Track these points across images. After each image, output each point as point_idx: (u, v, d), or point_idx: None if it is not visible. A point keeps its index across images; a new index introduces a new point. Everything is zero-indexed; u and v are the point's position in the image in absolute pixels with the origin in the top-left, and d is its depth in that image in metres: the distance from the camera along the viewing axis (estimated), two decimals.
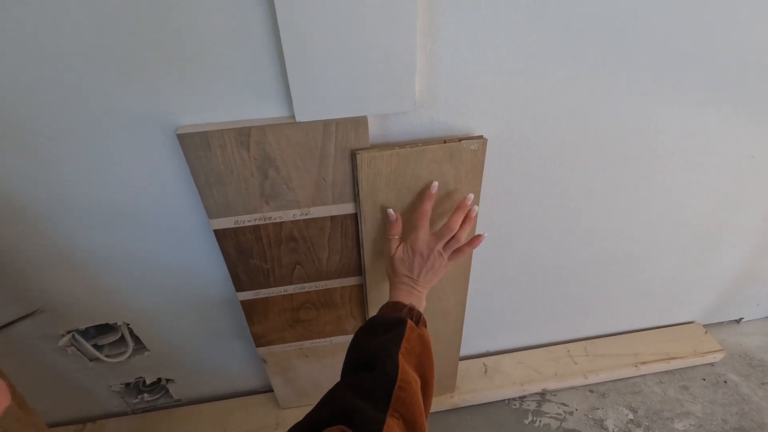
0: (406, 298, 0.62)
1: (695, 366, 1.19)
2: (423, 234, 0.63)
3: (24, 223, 0.66)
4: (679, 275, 1.07)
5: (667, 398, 1.12)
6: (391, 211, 0.66)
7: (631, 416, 1.08)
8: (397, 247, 0.65)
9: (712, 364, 1.20)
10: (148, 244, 0.73)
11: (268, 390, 1.06)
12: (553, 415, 1.08)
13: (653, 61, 0.65)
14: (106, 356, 0.89)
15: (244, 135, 0.59)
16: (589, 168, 0.78)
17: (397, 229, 0.66)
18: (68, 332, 0.84)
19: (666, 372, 1.17)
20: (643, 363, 1.14)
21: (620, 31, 0.61)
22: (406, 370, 0.48)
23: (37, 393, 0.92)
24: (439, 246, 0.63)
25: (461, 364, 1.08)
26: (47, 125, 0.57)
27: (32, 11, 0.48)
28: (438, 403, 1.06)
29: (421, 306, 0.62)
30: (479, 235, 0.67)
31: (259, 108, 0.60)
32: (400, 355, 0.49)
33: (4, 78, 0.52)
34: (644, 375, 1.16)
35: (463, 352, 1.01)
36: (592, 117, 0.70)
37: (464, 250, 0.65)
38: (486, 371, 1.13)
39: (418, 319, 0.58)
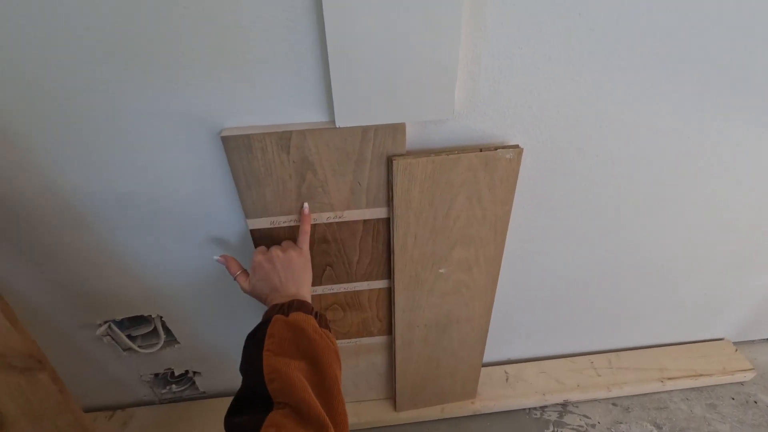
0: (278, 301, 0.59)
1: (724, 384, 1.16)
2: (256, 255, 0.63)
3: (70, 217, 0.69)
4: (712, 291, 1.05)
5: (693, 416, 1.09)
6: (215, 257, 0.65)
7: None
8: (246, 279, 0.64)
9: (741, 383, 1.16)
10: (186, 242, 0.75)
11: None
12: (575, 427, 1.07)
13: (698, 72, 0.64)
14: (139, 347, 0.92)
15: (285, 138, 0.61)
16: (625, 180, 0.77)
17: (235, 267, 0.65)
18: (105, 322, 0.87)
19: (693, 389, 1.14)
20: (669, 378, 1.12)
21: (665, 43, 0.60)
22: (272, 363, 0.48)
23: (73, 379, 0.95)
24: (275, 249, 0.62)
25: (483, 370, 1.07)
26: (97, 124, 0.60)
27: (85, 13, 0.51)
28: (458, 409, 1.06)
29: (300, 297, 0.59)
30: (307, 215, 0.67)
31: (300, 112, 0.61)
32: (265, 354, 0.49)
33: (56, 76, 0.55)
34: (670, 391, 1.14)
35: (485, 358, 1.01)
36: (633, 130, 0.69)
37: (305, 230, 0.65)
38: (507, 379, 1.12)
39: (290, 307, 0.56)
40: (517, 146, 0.66)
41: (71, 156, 0.63)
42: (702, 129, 0.71)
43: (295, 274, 0.61)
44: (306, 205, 0.67)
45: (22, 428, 0.74)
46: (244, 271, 0.65)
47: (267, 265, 0.61)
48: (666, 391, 1.14)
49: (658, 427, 1.07)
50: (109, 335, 0.89)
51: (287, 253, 0.62)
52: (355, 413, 1.05)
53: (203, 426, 1.04)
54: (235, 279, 0.64)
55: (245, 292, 0.64)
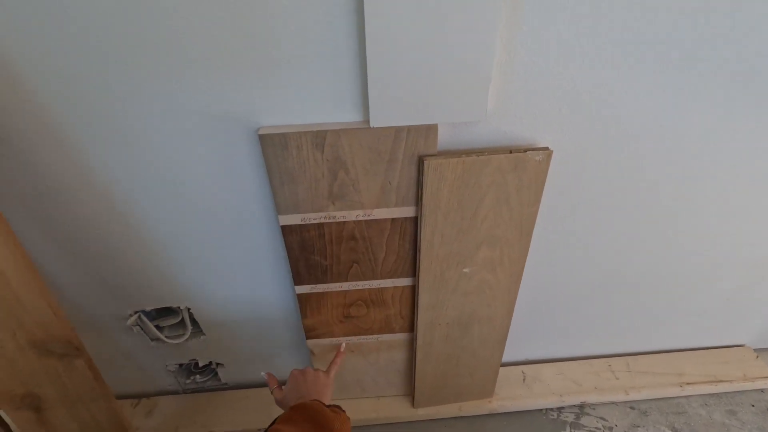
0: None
1: (744, 391, 1.15)
2: (293, 372, 0.73)
3: (107, 210, 0.72)
4: (734, 297, 1.04)
5: (712, 422, 1.09)
6: (262, 374, 0.77)
7: None
8: (281, 392, 0.73)
9: (762, 390, 1.15)
10: (218, 236, 0.77)
11: None
12: (592, 429, 1.07)
13: (732, 76, 0.64)
14: (166, 337, 0.95)
15: (320, 137, 0.62)
16: (652, 184, 0.77)
17: (274, 382, 0.75)
18: (135, 312, 0.90)
19: (712, 395, 1.14)
20: (688, 383, 1.11)
21: (700, 47, 0.60)
22: (276, 427, 0.55)
23: (103, 367, 0.98)
24: (309, 368, 0.73)
25: (500, 370, 1.08)
26: (137, 121, 0.62)
27: (133, 18, 0.53)
28: (476, 407, 1.07)
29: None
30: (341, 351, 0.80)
31: (335, 112, 0.63)
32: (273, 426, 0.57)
33: (100, 74, 0.57)
34: (689, 396, 1.13)
35: (502, 358, 1.01)
36: (662, 133, 0.70)
37: (337, 362, 0.78)
38: (524, 379, 1.13)
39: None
40: (546, 148, 0.67)
41: (110, 150, 0.65)
42: (733, 134, 0.71)
43: (318, 389, 0.70)
44: (344, 344, 0.85)
45: (58, 411, 0.78)
46: (280, 387, 0.74)
47: (300, 378, 0.72)
48: (684, 396, 1.13)
49: (676, 431, 1.07)
50: (139, 325, 0.92)
51: (317, 373, 0.73)
52: (374, 409, 1.07)
53: (224, 416, 1.06)
54: (271, 393, 0.74)
55: (277, 402, 0.72)
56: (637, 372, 1.14)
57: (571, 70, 0.61)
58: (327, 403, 0.69)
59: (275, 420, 0.59)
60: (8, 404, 0.74)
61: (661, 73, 0.63)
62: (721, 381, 1.12)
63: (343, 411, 0.64)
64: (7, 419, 0.75)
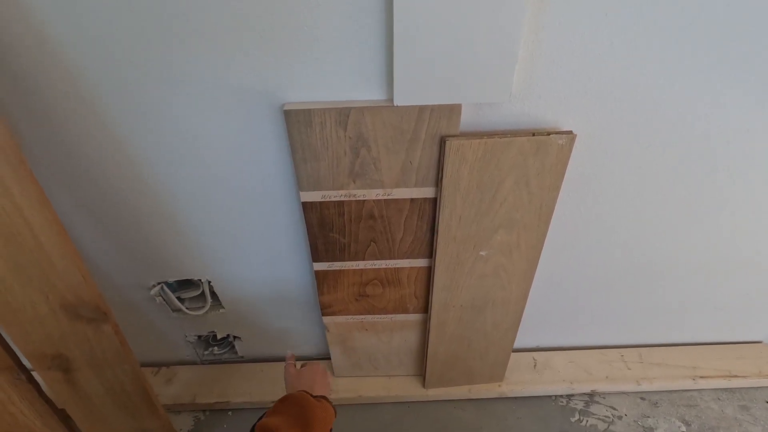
0: None
1: (758, 387, 1.13)
2: (319, 365, 0.76)
3: (134, 182, 0.74)
4: (755, 292, 1.02)
5: (724, 416, 1.08)
6: (289, 352, 0.79)
7: (683, 429, 1.05)
8: (293, 368, 0.76)
9: None
10: (240, 211, 0.79)
11: (325, 357, 1.12)
12: (601, 417, 1.08)
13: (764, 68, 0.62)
14: (187, 309, 0.98)
15: (343, 115, 0.63)
16: (673, 174, 0.76)
17: (291, 360, 0.78)
18: (158, 283, 0.93)
19: (726, 389, 1.13)
20: (701, 377, 1.11)
21: (730, 35, 0.59)
22: (262, 421, 0.57)
23: (127, 334, 1.02)
24: (330, 380, 0.76)
25: (511, 355, 1.09)
26: (163, 94, 0.63)
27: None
28: (485, 390, 1.09)
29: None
30: None
31: (358, 90, 0.63)
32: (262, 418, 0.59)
33: (136, 51, 0.58)
34: (701, 389, 1.13)
35: (514, 344, 1.02)
36: (688, 122, 0.68)
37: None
38: (535, 365, 1.13)
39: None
40: (570, 132, 0.66)
41: (140, 123, 0.67)
42: (765, 126, 0.69)
43: (324, 391, 0.72)
44: None
45: (85, 373, 0.81)
46: (295, 366, 0.77)
47: (319, 375, 0.74)
48: (697, 390, 1.13)
49: (687, 424, 1.07)
50: (161, 296, 0.95)
51: (329, 388, 0.75)
52: (384, 387, 1.09)
53: (240, 387, 1.10)
54: (286, 364, 0.77)
55: (287, 376, 0.75)
56: (650, 363, 1.14)
57: (600, 52, 0.60)
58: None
59: (263, 414, 0.62)
60: (39, 364, 0.78)
61: (694, 58, 0.61)
62: (735, 376, 1.11)
63: (329, 401, 0.67)
64: (38, 378, 0.79)
